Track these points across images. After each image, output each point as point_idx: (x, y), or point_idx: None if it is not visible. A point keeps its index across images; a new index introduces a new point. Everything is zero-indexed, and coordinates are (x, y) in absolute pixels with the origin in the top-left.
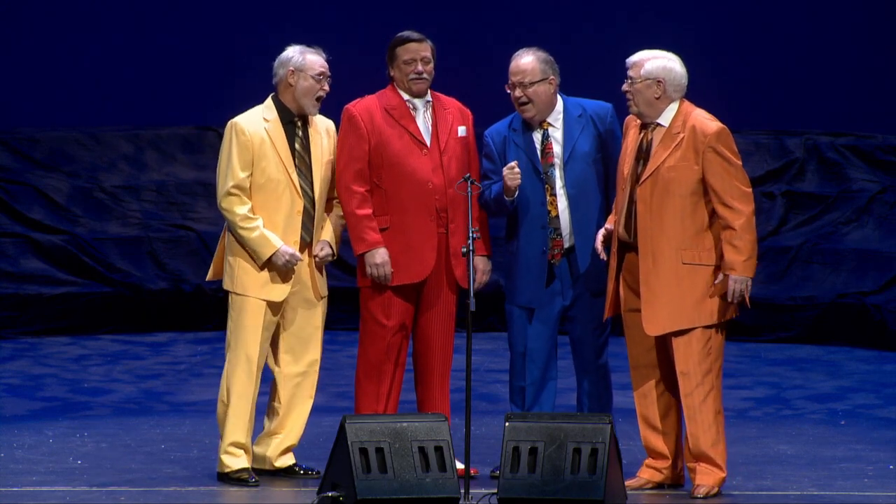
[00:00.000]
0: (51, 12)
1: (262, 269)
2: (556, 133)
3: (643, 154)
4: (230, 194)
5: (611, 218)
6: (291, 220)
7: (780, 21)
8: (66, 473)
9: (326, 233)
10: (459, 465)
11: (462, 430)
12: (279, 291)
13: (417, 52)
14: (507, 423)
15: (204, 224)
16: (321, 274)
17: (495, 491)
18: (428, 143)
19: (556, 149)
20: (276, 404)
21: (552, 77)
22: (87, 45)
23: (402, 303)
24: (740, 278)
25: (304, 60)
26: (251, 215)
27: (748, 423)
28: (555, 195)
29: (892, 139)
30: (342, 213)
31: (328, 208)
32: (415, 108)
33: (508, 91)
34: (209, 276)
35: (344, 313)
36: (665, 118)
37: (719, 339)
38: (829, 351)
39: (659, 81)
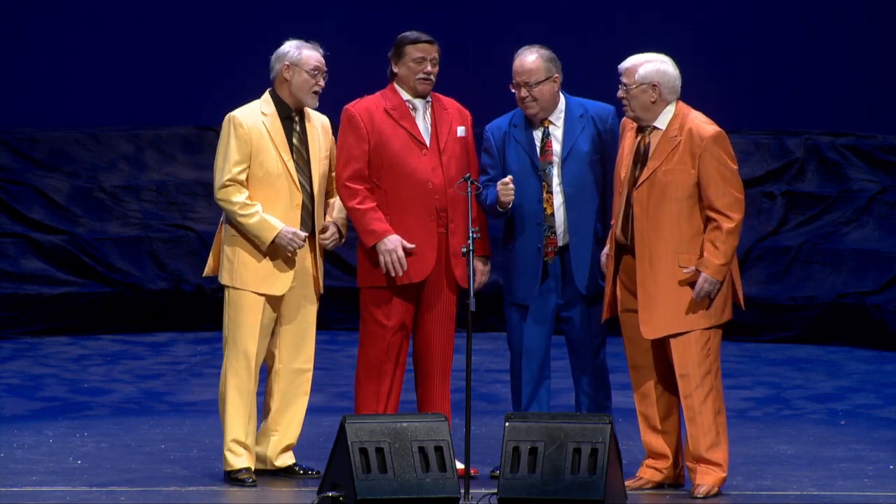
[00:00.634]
0: (51, 12)
1: (263, 258)
2: (557, 131)
3: (640, 157)
4: (226, 185)
5: (612, 233)
6: (290, 214)
7: (780, 21)
8: (66, 473)
9: (330, 216)
10: (459, 465)
11: (462, 430)
12: (280, 285)
13: (429, 53)
14: (507, 423)
15: (204, 224)
16: (319, 270)
17: (495, 491)
18: (428, 144)
19: (556, 147)
20: (270, 400)
21: (556, 75)
22: (87, 45)
23: (403, 303)
24: (711, 279)
25: (299, 55)
26: (249, 202)
27: (748, 423)
28: (551, 192)
29: (892, 139)
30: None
31: (326, 204)
32: (414, 109)
33: (513, 90)
34: (206, 272)
35: (344, 313)
36: (662, 121)
37: (717, 341)
38: (829, 351)
39: (654, 85)
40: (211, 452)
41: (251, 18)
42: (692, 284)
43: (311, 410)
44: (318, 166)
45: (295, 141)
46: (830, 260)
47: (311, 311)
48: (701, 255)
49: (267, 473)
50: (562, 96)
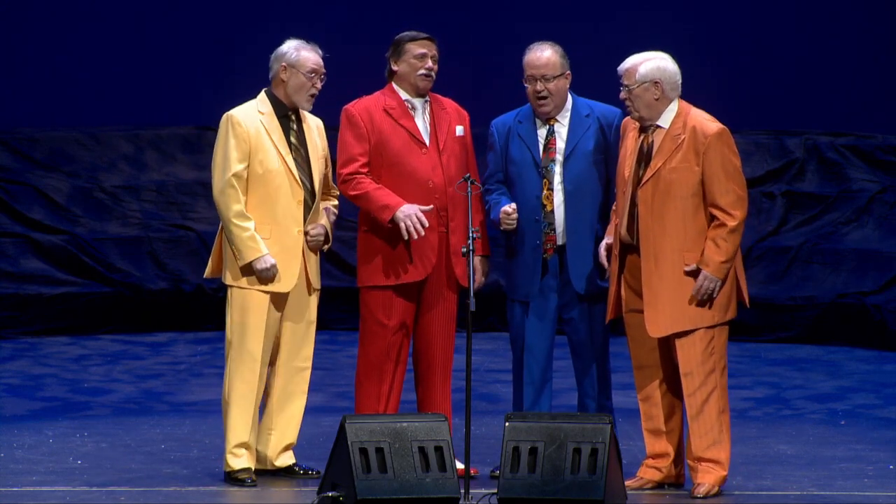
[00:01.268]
0: (51, 12)
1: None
2: (562, 130)
3: (644, 156)
4: (229, 186)
5: (610, 228)
6: (294, 210)
7: (780, 21)
8: (66, 473)
9: (321, 219)
10: (459, 465)
11: (462, 430)
12: (286, 282)
13: (429, 49)
14: (507, 423)
15: (204, 224)
16: (317, 267)
17: (495, 491)
18: (427, 143)
19: (560, 144)
20: (269, 398)
21: (568, 73)
22: (87, 45)
23: (403, 302)
24: (712, 277)
25: (297, 57)
26: (246, 214)
27: (748, 423)
28: (552, 190)
29: (892, 139)
30: (336, 204)
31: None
32: (413, 108)
33: (526, 84)
34: (207, 273)
35: (344, 313)
36: (665, 120)
37: (722, 339)
38: (829, 351)
39: (656, 82)
40: (211, 452)
41: (251, 18)
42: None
43: (311, 410)
44: (317, 164)
45: (293, 139)
46: (830, 260)
47: (310, 309)
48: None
49: (267, 473)
50: (570, 95)
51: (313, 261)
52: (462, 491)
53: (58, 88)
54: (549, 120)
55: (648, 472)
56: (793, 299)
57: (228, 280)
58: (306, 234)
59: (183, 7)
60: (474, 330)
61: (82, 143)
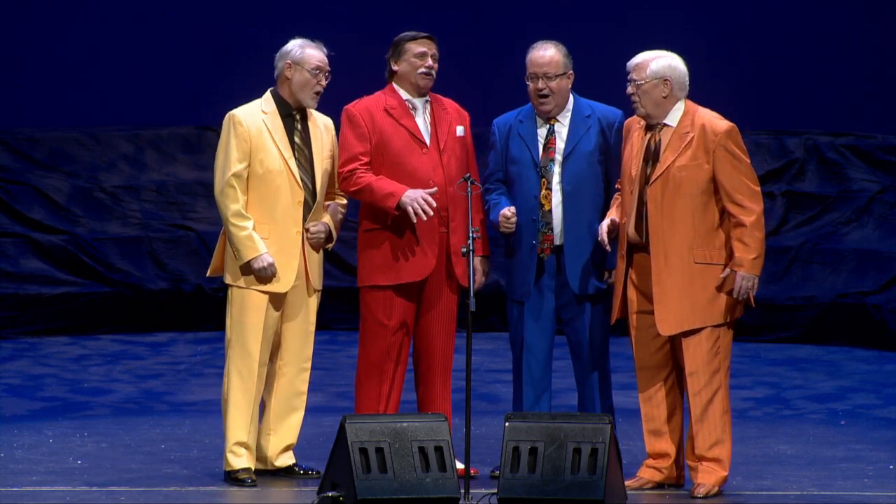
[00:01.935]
0: (51, 12)
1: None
2: (562, 129)
3: (651, 155)
4: (228, 186)
5: (610, 212)
6: (293, 211)
7: (780, 21)
8: (66, 473)
9: (325, 217)
10: (459, 465)
11: (462, 430)
12: (284, 282)
13: (430, 48)
14: (507, 423)
15: (204, 224)
16: (319, 268)
17: (495, 491)
18: (428, 143)
19: (559, 144)
20: (269, 399)
21: (570, 72)
22: (87, 45)
23: (404, 302)
24: (748, 275)
25: (301, 54)
26: (244, 213)
27: (748, 423)
28: (550, 189)
29: (892, 139)
30: (344, 203)
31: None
32: (414, 108)
33: (528, 83)
34: (209, 273)
35: (344, 313)
36: (672, 118)
37: (727, 339)
38: (829, 351)
39: (666, 80)
40: (211, 452)
41: (252, 18)
42: (708, 281)
43: (311, 410)
44: (321, 164)
45: (296, 139)
46: (830, 260)
47: (310, 309)
48: (717, 250)
49: (267, 473)
50: (571, 95)
51: (315, 261)
52: (462, 491)
53: (58, 88)
54: (549, 119)
55: (648, 473)
56: (793, 299)
57: (228, 279)
58: (307, 231)
59: (183, 7)
60: (474, 330)
61: (82, 143)
